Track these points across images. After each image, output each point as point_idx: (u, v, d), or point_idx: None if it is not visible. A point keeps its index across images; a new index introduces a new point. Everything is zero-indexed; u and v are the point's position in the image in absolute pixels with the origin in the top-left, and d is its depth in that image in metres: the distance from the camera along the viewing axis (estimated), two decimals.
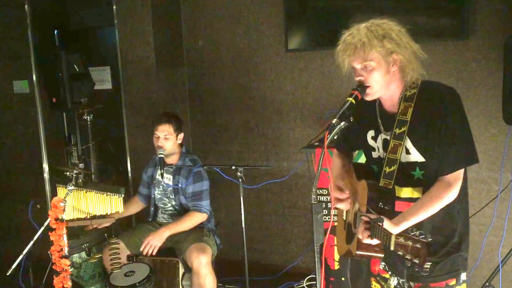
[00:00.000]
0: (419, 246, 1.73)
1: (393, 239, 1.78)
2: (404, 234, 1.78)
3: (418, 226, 2.04)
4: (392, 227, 1.92)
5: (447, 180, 2.02)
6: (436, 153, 2.02)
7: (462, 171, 2.04)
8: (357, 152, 2.72)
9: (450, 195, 2.02)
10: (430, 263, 1.74)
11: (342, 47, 2.05)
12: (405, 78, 2.07)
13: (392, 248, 1.79)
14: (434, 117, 2.00)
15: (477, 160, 2.04)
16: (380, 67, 2.01)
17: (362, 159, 2.38)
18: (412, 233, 1.76)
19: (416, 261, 1.74)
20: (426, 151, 2.05)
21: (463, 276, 2.18)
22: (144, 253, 3.47)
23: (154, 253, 3.48)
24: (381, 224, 1.87)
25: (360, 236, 2.01)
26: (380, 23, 2.02)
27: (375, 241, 1.97)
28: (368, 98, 2.09)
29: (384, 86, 2.06)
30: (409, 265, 1.78)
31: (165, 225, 3.76)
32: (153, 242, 3.49)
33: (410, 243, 1.75)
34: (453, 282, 2.16)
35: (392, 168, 2.10)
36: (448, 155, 2.00)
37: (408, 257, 1.76)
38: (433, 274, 2.13)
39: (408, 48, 2.01)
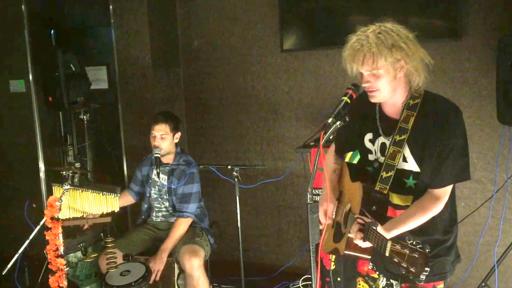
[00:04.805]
0: (417, 256, 1.73)
1: (389, 245, 1.80)
2: (401, 242, 1.78)
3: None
4: (384, 233, 1.93)
5: (436, 193, 2.06)
6: (430, 166, 2.04)
7: (451, 185, 2.09)
8: (351, 152, 2.72)
9: (437, 208, 2.06)
10: (426, 273, 1.74)
11: (351, 53, 2.01)
12: (411, 84, 2.07)
13: (387, 254, 1.80)
14: (436, 133, 2.01)
15: (469, 177, 2.08)
16: (388, 74, 2.01)
17: (357, 160, 2.39)
18: (410, 242, 1.76)
19: (413, 269, 1.73)
20: (422, 162, 2.06)
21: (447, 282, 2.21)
22: (152, 280, 3.45)
23: (157, 278, 3.47)
24: (375, 228, 1.89)
25: (352, 236, 2.02)
26: (388, 30, 1.98)
27: (367, 244, 1.97)
28: (374, 100, 2.11)
29: (391, 91, 2.06)
30: (403, 272, 1.77)
31: (159, 224, 3.83)
32: (156, 267, 3.48)
33: (407, 252, 1.75)
34: (441, 285, 2.18)
35: (389, 174, 2.11)
36: (441, 170, 2.03)
37: (404, 265, 1.75)
38: None
39: (416, 56, 2.00)
